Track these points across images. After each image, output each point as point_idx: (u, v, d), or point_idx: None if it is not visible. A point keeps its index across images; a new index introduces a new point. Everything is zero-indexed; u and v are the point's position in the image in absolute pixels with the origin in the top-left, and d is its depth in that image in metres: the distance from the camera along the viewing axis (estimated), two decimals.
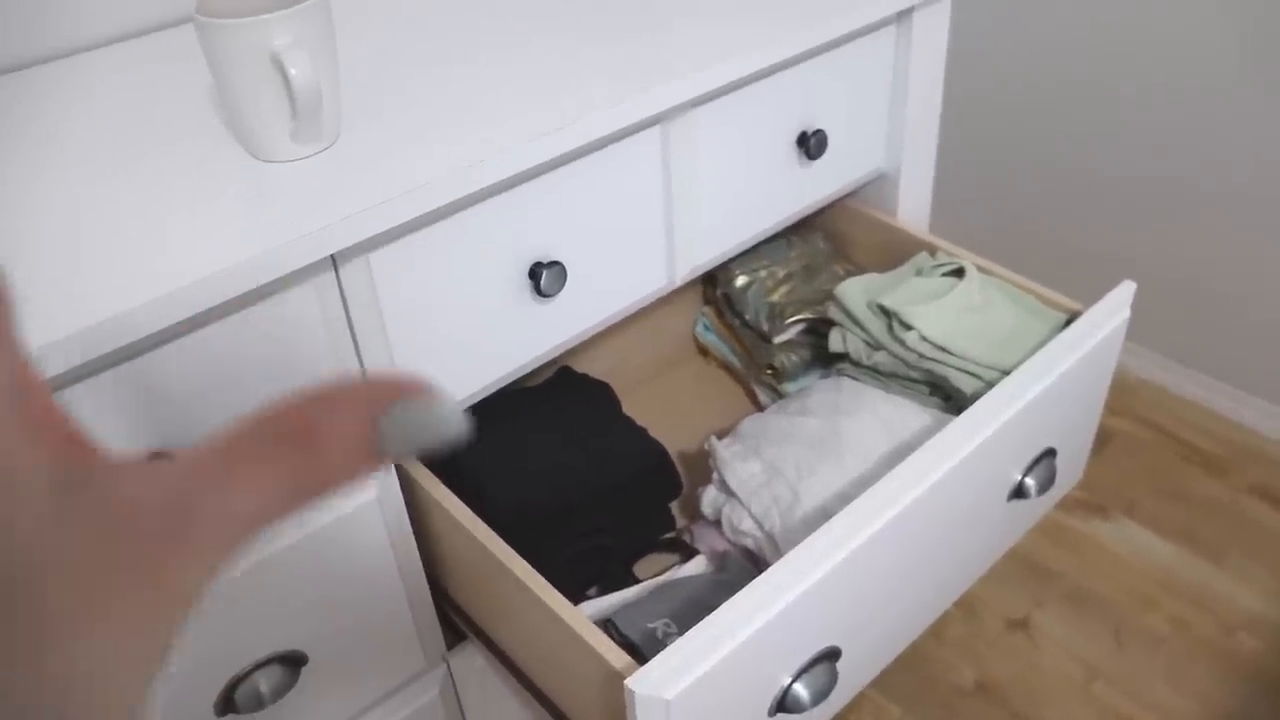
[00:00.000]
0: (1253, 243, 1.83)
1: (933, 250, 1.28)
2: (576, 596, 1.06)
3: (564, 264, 0.99)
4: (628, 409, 1.25)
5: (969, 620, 1.66)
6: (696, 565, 1.11)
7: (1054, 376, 1.05)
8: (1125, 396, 2.03)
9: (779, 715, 0.90)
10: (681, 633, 0.80)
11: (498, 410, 1.11)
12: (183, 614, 0.25)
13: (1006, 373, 1.06)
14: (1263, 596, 1.68)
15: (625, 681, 0.77)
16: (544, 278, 0.97)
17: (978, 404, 1.01)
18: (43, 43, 1.11)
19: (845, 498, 0.95)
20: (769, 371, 1.35)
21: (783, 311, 1.34)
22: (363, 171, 0.85)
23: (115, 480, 0.25)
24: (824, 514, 1.01)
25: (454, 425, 0.28)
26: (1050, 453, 1.12)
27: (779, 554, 0.93)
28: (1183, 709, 1.53)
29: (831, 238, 1.44)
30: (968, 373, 1.11)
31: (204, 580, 0.25)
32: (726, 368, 1.47)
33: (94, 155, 0.90)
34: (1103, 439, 1.94)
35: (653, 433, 1.20)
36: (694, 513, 1.17)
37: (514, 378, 1.03)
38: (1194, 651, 1.61)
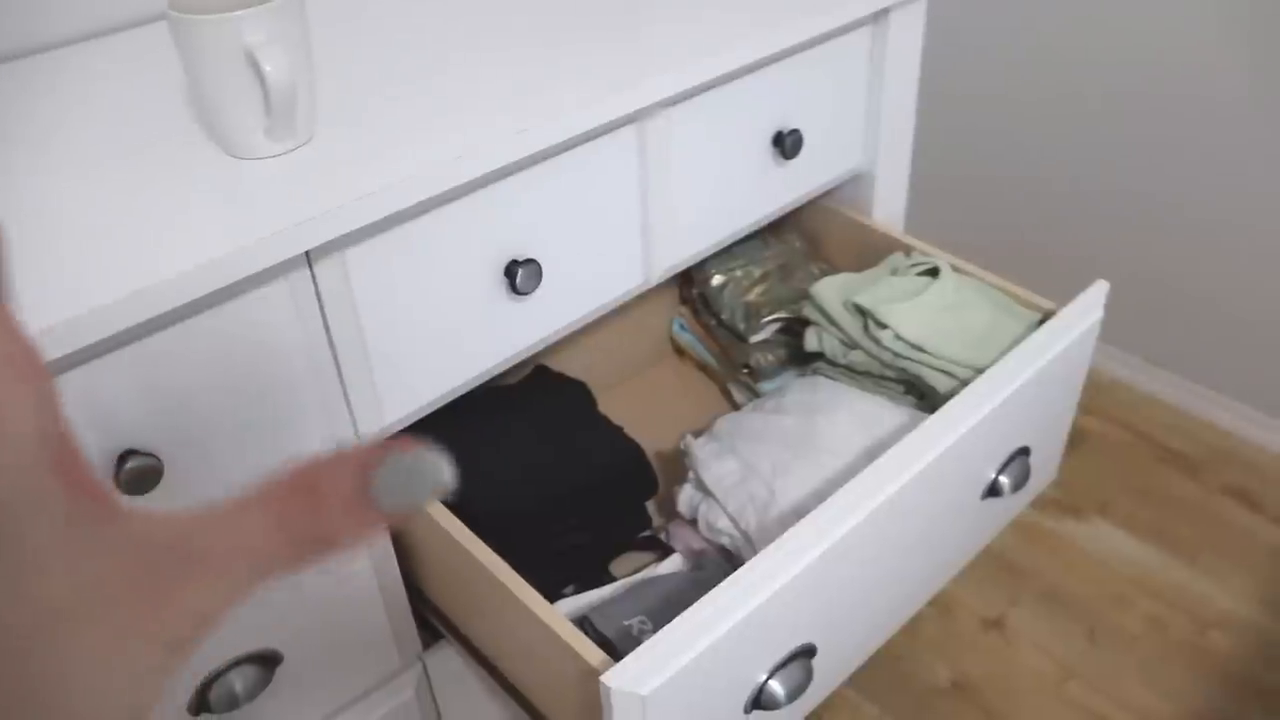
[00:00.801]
0: (1226, 244, 1.85)
1: (908, 250, 1.29)
2: (553, 595, 1.06)
3: (539, 262, 0.99)
4: (604, 408, 1.25)
5: (944, 619, 1.67)
6: (673, 564, 1.12)
7: (1028, 375, 1.06)
8: (1100, 397, 2.05)
9: (755, 712, 0.90)
10: (657, 630, 0.80)
11: (474, 408, 1.10)
12: (186, 642, 0.28)
13: (981, 371, 1.07)
14: (1236, 595, 1.69)
15: (600, 678, 0.77)
16: (519, 275, 0.97)
17: (952, 402, 1.01)
18: (15, 39, 1.10)
19: (821, 496, 0.95)
20: (745, 371, 1.35)
21: (759, 311, 1.34)
22: (337, 168, 0.85)
23: (128, 520, 0.28)
24: (799, 512, 1.01)
25: (441, 478, 0.31)
26: (1024, 451, 1.13)
27: (755, 552, 0.93)
28: (1156, 707, 1.54)
29: (807, 237, 1.45)
30: (942, 371, 1.12)
31: (208, 613, 0.29)
32: (703, 367, 1.48)
33: (67, 152, 0.90)
34: (1077, 439, 1.95)
35: (629, 431, 1.21)
36: (670, 511, 1.17)
37: (490, 376, 1.03)
38: (1168, 650, 1.62)
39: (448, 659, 1.13)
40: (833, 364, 1.21)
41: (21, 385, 0.26)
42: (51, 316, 0.69)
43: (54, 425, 0.27)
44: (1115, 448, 1.97)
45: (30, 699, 0.26)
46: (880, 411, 1.15)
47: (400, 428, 0.98)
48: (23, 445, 0.25)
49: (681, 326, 1.49)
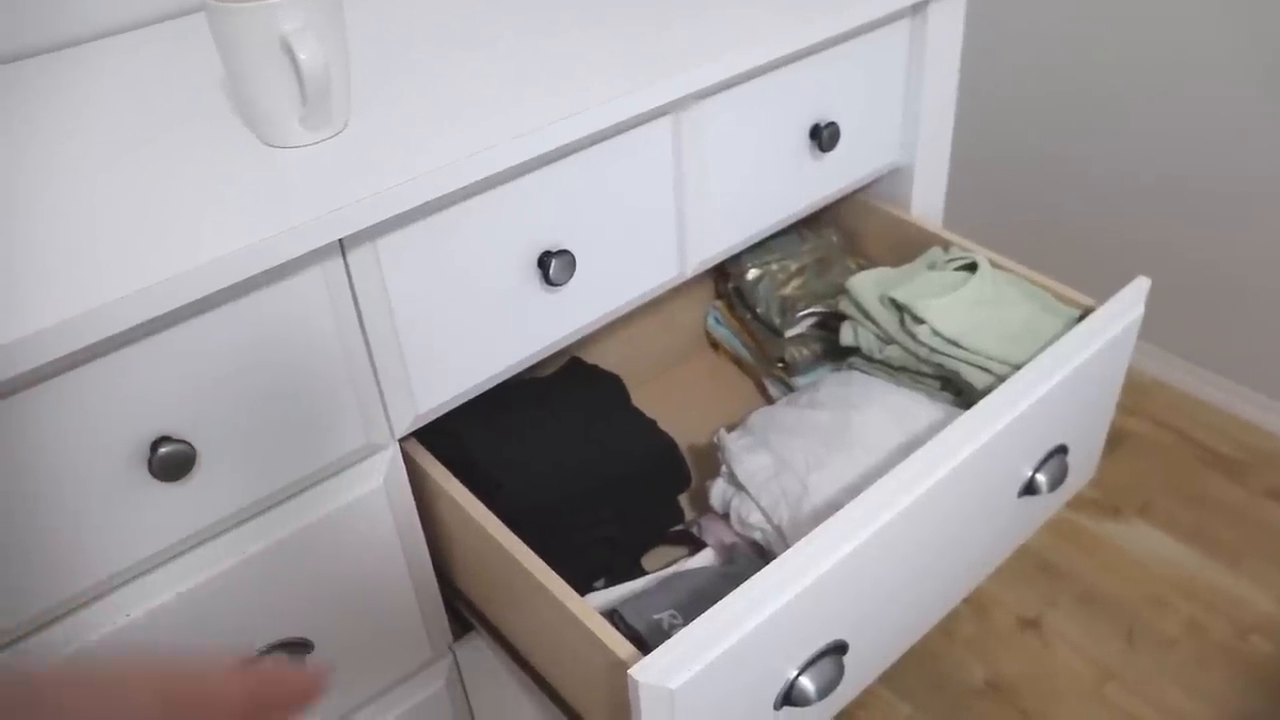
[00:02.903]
0: (1270, 241, 1.82)
1: (946, 245, 1.28)
2: (583, 588, 1.06)
3: (573, 253, 0.98)
4: (637, 401, 1.25)
5: (980, 619, 1.65)
6: (704, 558, 1.11)
7: (1066, 372, 1.04)
8: (1141, 397, 2.02)
9: (785, 709, 0.90)
10: (687, 624, 0.80)
11: (506, 400, 1.10)
12: None
13: (1018, 368, 1.05)
14: (1277, 600, 1.66)
15: (629, 671, 0.77)
16: (553, 266, 0.96)
17: (988, 398, 1.00)
18: (58, 30, 1.11)
19: (854, 491, 0.95)
20: (780, 365, 1.35)
21: (794, 305, 1.33)
22: (371, 157, 0.85)
23: None
24: (833, 507, 1.00)
25: None
26: (1061, 449, 1.11)
27: (787, 547, 0.92)
28: (1195, 712, 1.52)
29: (845, 232, 1.44)
30: (979, 367, 1.10)
31: None
32: (737, 361, 1.47)
33: (107, 141, 0.90)
34: (1117, 439, 1.93)
35: (662, 425, 1.20)
36: (703, 505, 1.17)
37: (523, 367, 1.02)
38: (1207, 654, 1.60)
39: (478, 650, 1.13)
40: (868, 359, 1.19)
41: None
42: (86, 301, 0.69)
43: None
44: (1156, 449, 1.95)
45: None
46: (915, 407, 1.14)
47: (434, 417, 0.98)
48: None
49: (717, 320, 1.48)
